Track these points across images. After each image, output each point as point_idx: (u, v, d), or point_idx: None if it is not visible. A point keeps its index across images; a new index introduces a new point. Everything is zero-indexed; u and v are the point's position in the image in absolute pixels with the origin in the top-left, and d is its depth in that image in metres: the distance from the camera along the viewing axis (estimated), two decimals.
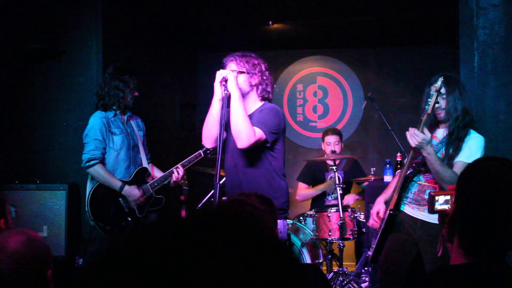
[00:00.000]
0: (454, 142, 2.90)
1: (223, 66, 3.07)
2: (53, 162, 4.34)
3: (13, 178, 4.13)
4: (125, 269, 0.59)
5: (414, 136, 2.82)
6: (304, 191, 5.08)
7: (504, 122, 3.60)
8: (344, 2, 5.05)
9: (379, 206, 3.14)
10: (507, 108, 3.59)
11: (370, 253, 3.16)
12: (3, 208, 2.19)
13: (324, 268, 4.43)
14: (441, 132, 3.02)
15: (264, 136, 2.90)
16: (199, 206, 4.76)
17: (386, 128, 5.36)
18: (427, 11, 5.16)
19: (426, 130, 2.86)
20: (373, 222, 3.15)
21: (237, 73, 2.97)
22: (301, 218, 4.67)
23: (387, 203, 3.12)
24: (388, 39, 6.26)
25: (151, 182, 3.72)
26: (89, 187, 3.60)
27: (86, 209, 3.53)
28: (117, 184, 3.55)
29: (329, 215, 4.13)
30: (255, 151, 2.96)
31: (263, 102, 3.07)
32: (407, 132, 2.88)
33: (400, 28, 5.82)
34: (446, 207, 1.61)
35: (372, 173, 4.92)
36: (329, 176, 4.94)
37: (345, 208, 4.27)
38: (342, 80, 6.56)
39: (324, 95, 6.60)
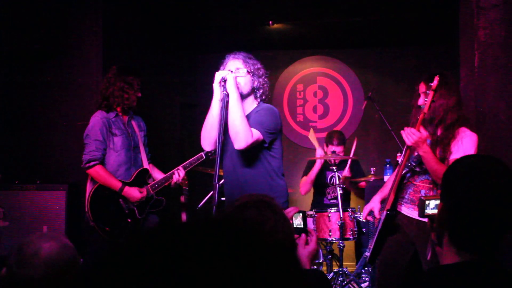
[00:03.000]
0: (441, 142, 2.90)
1: (223, 63, 3.07)
2: (53, 162, 4.34)
3: (13, 178, 4.13)
4: (127, 272, 0.59)
5: (410, 135, 2.84)
6: (303, 179, 5.04)
7: (504, 122, 3.59)
8: (344, 2, 5.05)
9: (373, 205, 3.17)
10: (507, 108, 3.59)
11: (367, 254, 3.17)
12: None
13: (324, 268, 4.43)
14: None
15: (261, 137, 2.90)
16: (199, 206, 4.77)
17: (386, 128, 5.36)
18: (427, 11, 5.16)
19: (422, 129, 2.86)
20: (366, 213, 3.19)
21: (246, 73, 2.97)
22: None
23: (383, 202, 3.13)
24: (388, 39, 6.26)
25: (152, 183, 3.71)
26: (89, 188, 3.59)
27: (86, 210, 3.52)
28: (117, 185, 3.55)
29: (329, 215, 4.13)
30: (254, 152, 2.96)
31: (259, 102, 3.08)
32: (402, 132, 2.90)
33: (400, 28, 5.82)
34: (436, 211, 1.61)
35: (372, 173, 4.92)
36: (330, 176, 4.94)
37: (345, 208, 4.27)
38: (342, 80, 6.56)
39: (324, 95, 6.60)
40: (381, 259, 3.10)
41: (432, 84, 2.85)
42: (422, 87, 3.01)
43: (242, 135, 2.82)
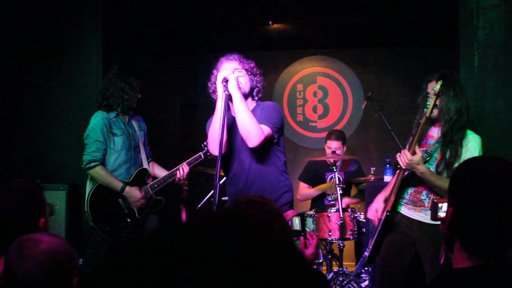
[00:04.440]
0: (450, 145, 2.88)
1: (216, 66, 3.07)
2: (53, 162, 4.34)
3: (13, 178, 4.13)
4: (127, 272, 0.59)
5: (403, 156, 2.84)
6: (305, 190, 5.09)
7: (504, 122, 3.59)
8: (344, 2, 5.05)
9: (377, 204, 3.15)
10: (507, 108, 3.59)
11: (366, 254, 3.16)
12: (43, 208, 2.20)
13: (324, 268, 4.43)
14: (436, 131, 3.01)
15: (271, 132, 2.94)
16: (199, 206, 4.77)
17: (386, 128, 5.36)
18: (427, 11, 5.16)
19: (417, 149, 2.85)
20: (372, 214, 3.15)
21: (245, 72, 2.99)
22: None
23: (386, 201, 3.13)
24: (388, 39, 6.26)
25: (151, 183, 3.72)
26: (88, 188, 3.59)
27: (86, 210, 3.53)
28: (118, 185, 3.55)
29: (329, 215, 4.13)
30: (265, 149, 2.99)
31: (257, 100, 3.10)
32: (397, 155, 2.91)
33: (400, 28, 5.82)
34: None
35: (372, 173, 4.91)
36: (330, 177, 4.94)
37: (345, 208, 4.27)
38: (342, 80, 6.56)
39: (324, 95, 6.60)
40: (381, 259, 3.09)
41: (435, 89, 2.84)
42: (430, 88, 2.99)
43: (254, 133, 2.84)
